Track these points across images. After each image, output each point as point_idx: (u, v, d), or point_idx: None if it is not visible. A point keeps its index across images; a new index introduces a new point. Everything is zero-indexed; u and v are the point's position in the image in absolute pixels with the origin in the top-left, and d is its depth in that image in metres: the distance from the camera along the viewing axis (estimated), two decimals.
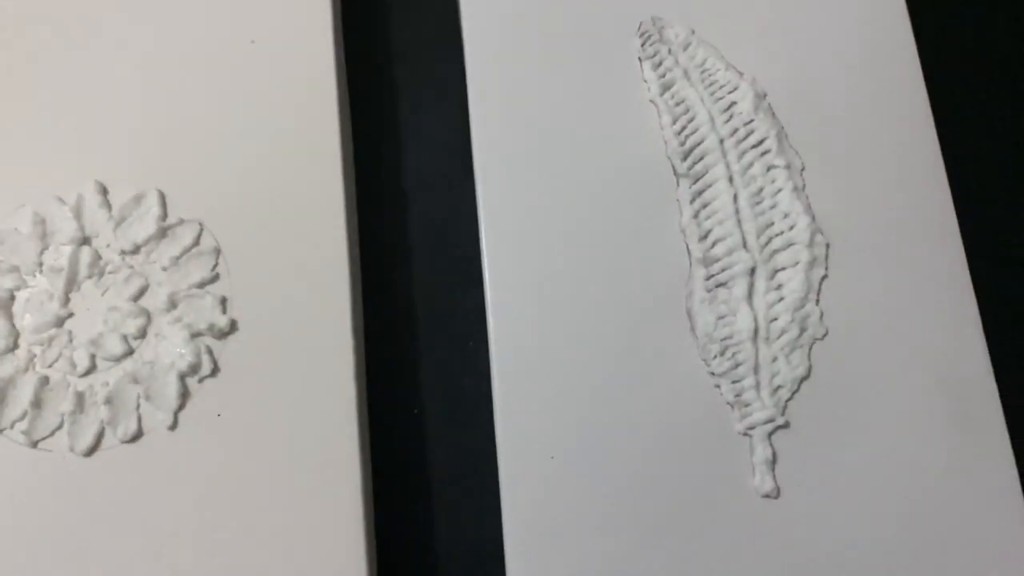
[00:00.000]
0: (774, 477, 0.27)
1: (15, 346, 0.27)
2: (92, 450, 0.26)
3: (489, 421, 0.28)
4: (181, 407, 0.27)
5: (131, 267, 0.28)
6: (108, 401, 0.27)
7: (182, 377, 0.27)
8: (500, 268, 0.29)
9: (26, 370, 0.27)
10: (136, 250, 0.28)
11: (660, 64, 0.32)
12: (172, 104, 0.30)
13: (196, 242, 0.28)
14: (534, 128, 0.31)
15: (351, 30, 0.34)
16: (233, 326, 0.28)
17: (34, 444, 0.26)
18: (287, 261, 0.28)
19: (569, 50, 0.32)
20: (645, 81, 0.32)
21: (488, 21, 0.32)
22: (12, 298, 0.27)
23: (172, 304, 0.27)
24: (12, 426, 0.26)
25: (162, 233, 0.28)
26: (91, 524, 0.26)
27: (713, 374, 0.28)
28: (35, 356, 0.27)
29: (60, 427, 0.26)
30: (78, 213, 0.28)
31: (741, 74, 0.32)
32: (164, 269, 0.28)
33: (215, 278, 0.28)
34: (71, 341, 0.27)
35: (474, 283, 0.30)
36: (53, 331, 0.27)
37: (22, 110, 0.29)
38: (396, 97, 0.34)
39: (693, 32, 0.32)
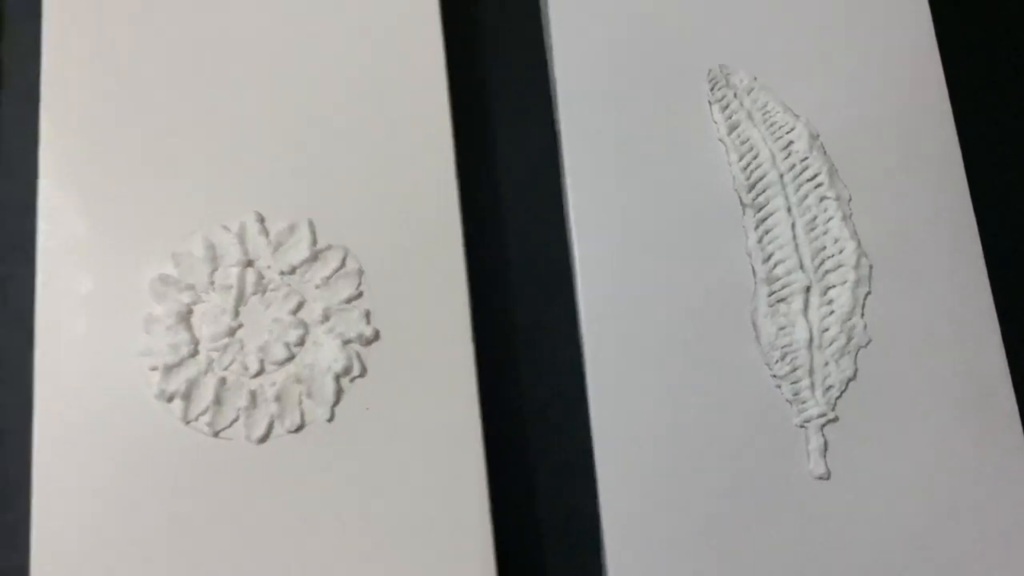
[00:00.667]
0: (825, 462, 0.33)
1: (196, 352, 0.33)
2: (264, 439, 0.32)
3: (585, 414, 0.34)
4: (336, 403, 0.33)
5: (289, 286, 0.34)
6: (276, 398, 0.33)
7: (337, 378, 0.33)
8: (592, 285, 0.35)
9: (206, 372, 0.33)
10: (293, 271, 0.34)
11: (727, 107, 0.38)
12: (316, 145, 0.35)
13: (342, 264, 0.34)
14: (620, 162, 0.36)
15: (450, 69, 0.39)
16: (376, 335, 0.34)
17: (216, 434, 0.32)
18: (415, 279, 0.34)
19: (650, 93, 0.37)
20: (715, 122, 0.37)
21: (580, 69, 0.38)
22: (191, 312, 0.33)
23: (326, 317, 0.34)
24: (197, 419, 0.32)
25: (314, 257, 0.34)
26: (262, 501, 0.32)
27: (775, 376, 0.34)
28: (213, 360, 0.33)
29: (237, 419, 0.33)
30: (242, 239, 0.34)
31: (797, 116, 0.38)
32: (317, 287, 0.34)
33: (359, 295, 0.34)
34: (242, 348, 0.33)
35: (566, 299, 0.37)
36: (227, 340, 0.33)
37: (188, 149, 0.35)
38: (492, 132, 0.40)
39: (755, 79, 0.38)
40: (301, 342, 0.33)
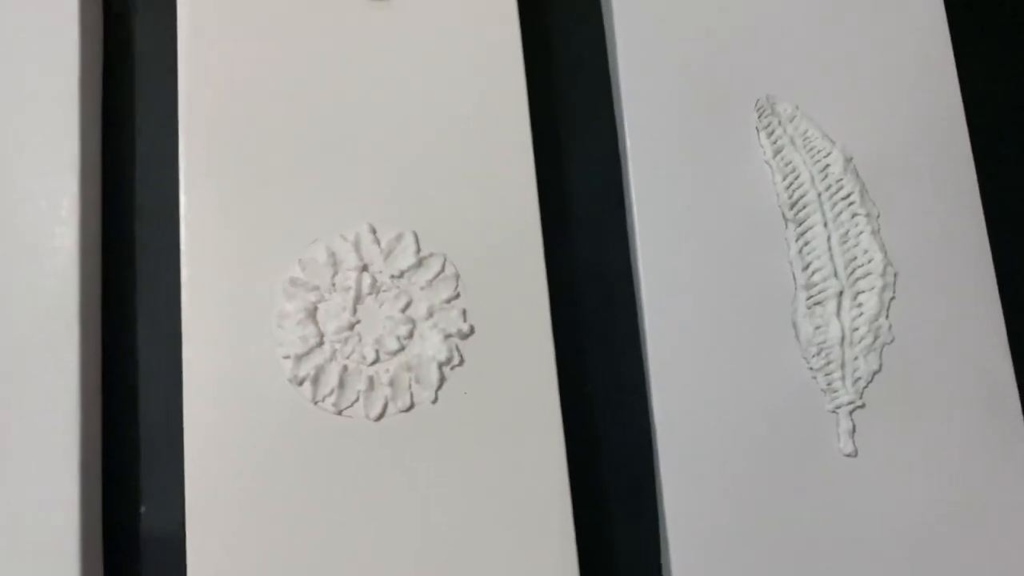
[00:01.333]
0: (853, 442, 0.40)
1: (322, 343, 0.40)
2: (380, 417, 0.39)
3: (644, 403, 0.41)
4: (439, 387, 0.40)
5: (398, 287, 0.41)
6: (390, 383, 0.40)
7: (440, 366, 0.40)
8: (653, 287, 0.42)
9: (331, 360, 0.40)
10: (401, 275, 0.41)
11: (772, 133, 0.44)
12: (416, 165, 0.42)
13: (442, 269, 0.41)
14: (678, 182, 0.43)
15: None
16: (472, 330, 0.40)
17: (339, 412, 0.39)
18: (502, 281, 0.41)
19: (705, 120, 0.44)
20: (761, 146, 0.44)
21: (643, 98, 0.44)
22: (316, 309, 0.40)
23: (430, 314, 0.40)
24: (324, 400, 0.39)
25: (419, 263, 0.41)
26: (378, 470, 0.39)
27: (811, 368, 0.41)
28: (336, 351, 0.40)
29: (357, 400, 0.39)
30: (357, 247, 0.41)
31: (833, 142, 0.44)
32: (422, 289, 0.41)
33: (457, 295, 0.41)
34: (360, 340, 0.40)
35: (629, 297, 0.43)
36: (347, 333, 0.40)
37: (311, 168, 0.42)
38: (564, 150, 0.47)
39: (797, 108, 0.44)
40: (409, 335, 0.40)
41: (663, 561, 0.41)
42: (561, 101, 0.47)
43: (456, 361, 0.40)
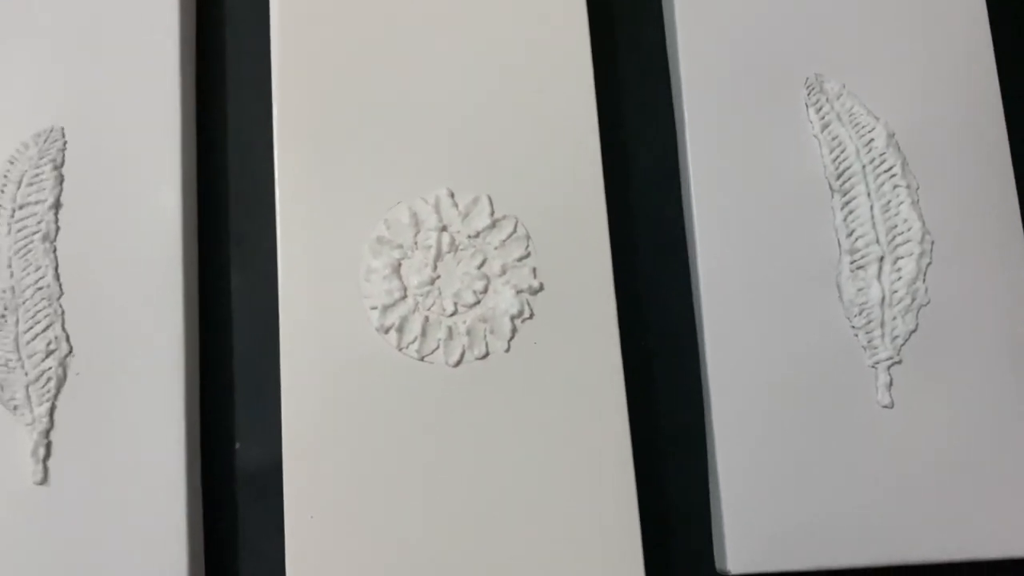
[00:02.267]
0: (890, 395, 0.45)
1: (405, 296, 0.45)
2: (458, 363, 0.45)
3: (697, 356, 0.46)
4: (512, 338, 0.45)
5: (474, 247, 0.46)
6: (467, 333, 0.45)
7: (512, 319, 0.45)
8: (709, 250, 0.47)
9: (414, 312, 0.45)
10: (477, 235, 0.46)
11: (820, 109, 0.49)
12: (491, 134, 0.47)
13: (515, 230, 0.46)
14: (733, 153, 0.48)
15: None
16: (541, 286, 0.45)
17: (421, 359, 0.45)
18: (569, 241, 0.46)
19: (759, 96, 0.48)
20: (810, 121, 0.49)
21: (702, 74, 0.48)
22: (400, 265, 0.45)
23: (503, 271, 0.45)
24: (408, 347, 0.45)
25: (493, 224, 0.46)
26: (455, 411, 0.44)
27: (853, 327, 0.46)
28: (419, 303, 0.45)
29: (437, 348, 0.45)
30: (437, 209, 0.46)
31: (877, 118, 0.48)
32: (496, 248, 0.46)
33: (528, 255, 0.46)
34: (440, 294, 0.45)
35: (684, 259, 0.48)
36: (428, 287, 0.45)
37: (395, 135, 0.47)
38: (623, 119, 0.51)
39: (844, 86, 0.49)
40: (485, 290, 0.45)
41: (712, 503, 0.46)
42: (622, 75, 0.52)
43: (527, 314, 0.45)
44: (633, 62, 0.52)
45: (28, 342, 0.44)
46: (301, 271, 0.45)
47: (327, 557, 0.42)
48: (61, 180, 0.46)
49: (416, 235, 0.46)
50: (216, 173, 0.50)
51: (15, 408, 0.44)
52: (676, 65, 0.50)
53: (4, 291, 0.44)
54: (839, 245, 0.47)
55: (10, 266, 0.45)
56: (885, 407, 0.45)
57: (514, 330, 0.45)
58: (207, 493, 0.46)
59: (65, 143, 0.46)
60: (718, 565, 0.45)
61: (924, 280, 0.46)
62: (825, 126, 0.48)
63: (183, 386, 0.45)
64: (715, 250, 0.47)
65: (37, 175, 0.46)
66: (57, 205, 0.46)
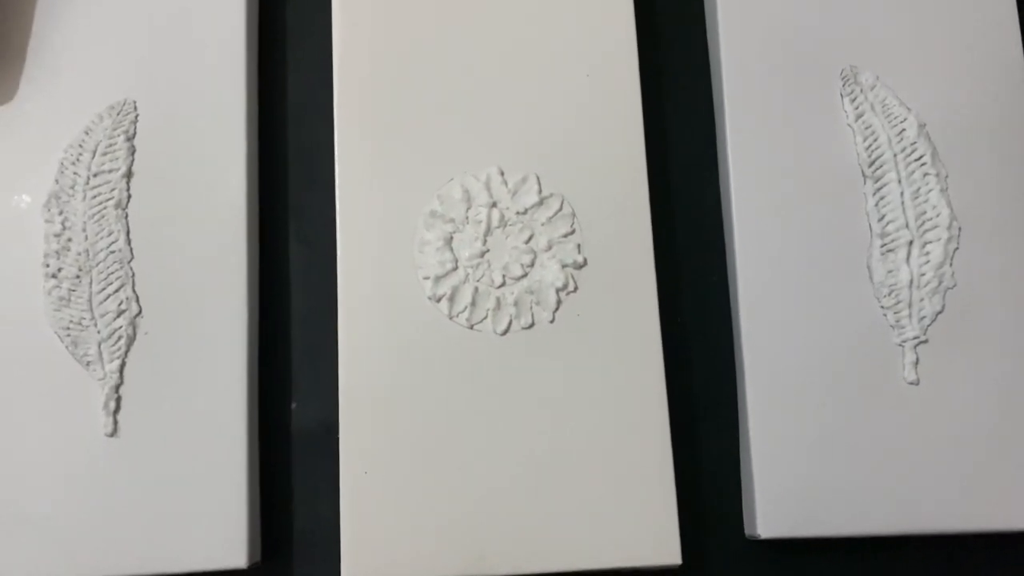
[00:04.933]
0: (916, 371, 0.51)
1: (456, 267, 0.52)
2: (505, 332, 0.51)
3: (730, 330, 0.53)
4: (556, 309, 0.51)
5: (522, 223, 0.52)
6: (514, 304, 0.51)
7: (557, 291, 0.52)
8: (746, 230, 0.53)
9: (464, 282, 0.51)
10: (525, 212, 0.52)
11: (855, 99, 0.55)
12: (540, 117, 0.53)
13: (561, 208, 0.52)
14: (771, 139, 0.54)
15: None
16: (585, 261, 0.52)
17: (471, 327, 0.51)
18: (612, 219, 0.52)
19: (797, 85, 0.55)
20: (845, 111, 0.55)
21: (743, 66, 0.55)
22: (451, 238, 0.52)
23: (549, 246, 0.52)
24: (458, 315, 0.51)
25: (540, 202, 0.52)
26: (502, 375, 0.50)
27: (882, 307, 0.52)
28: (469, 274, 0.52)
29: (486, 317, 0.51)
30: (488, 187, 0.52)
31: (909, 109, 0.55)
32: (543, 224, 0.52)
33: (573, 232, 0.52)
34: (490, 266, 0.52)
35: (720, 240, 0.55)
36: (479, 260, 0.52)
37: (449, 115, 0.53)
38: (665, 106, 0.58)
39: (877, 78, 0.55)
40: (532, 264, 0.52)
41: (743, 472, 0.52)
42: (665, 62, 0.59)
43: (571, 288, 0.52)
44: (675, 50, 0.59)
45: (101, 302, 0.51)
46: (359, 241, 0.52)
47: (379, 508, 0.49)
48: (133, 151, 0.53)
49: (468, 210, 0.52)
50: (278, 149, 0.57)
51: (88, 364, 0.51)
52: (717, 55, 0.56)
53: (79, 254, 0.51)
54: (870, 229, 0.53)
55: (84, 230, 0.51)
56: (911, 383, 0.51)
57: (559, 302, 0.52)
58: (264, 447, 0.53)
59: (137, 115, 0.53)
60: (747, 530, 0.52)
61: (951, 264, 0.53)
62: (859, 116, 0.55)
63: (245, 347, 0.51)
64: (752, 231, 0.53)
65: (111, 145, 0.52)
66: (129, 174, 0.52)
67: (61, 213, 0.51)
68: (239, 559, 0.49)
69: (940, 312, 0.52)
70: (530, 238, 0.52)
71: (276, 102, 0.57)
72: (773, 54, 0.55)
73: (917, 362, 0.51)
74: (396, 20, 0.54)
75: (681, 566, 0.49)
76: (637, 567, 0.49)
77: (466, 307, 0.51)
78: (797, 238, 0.53)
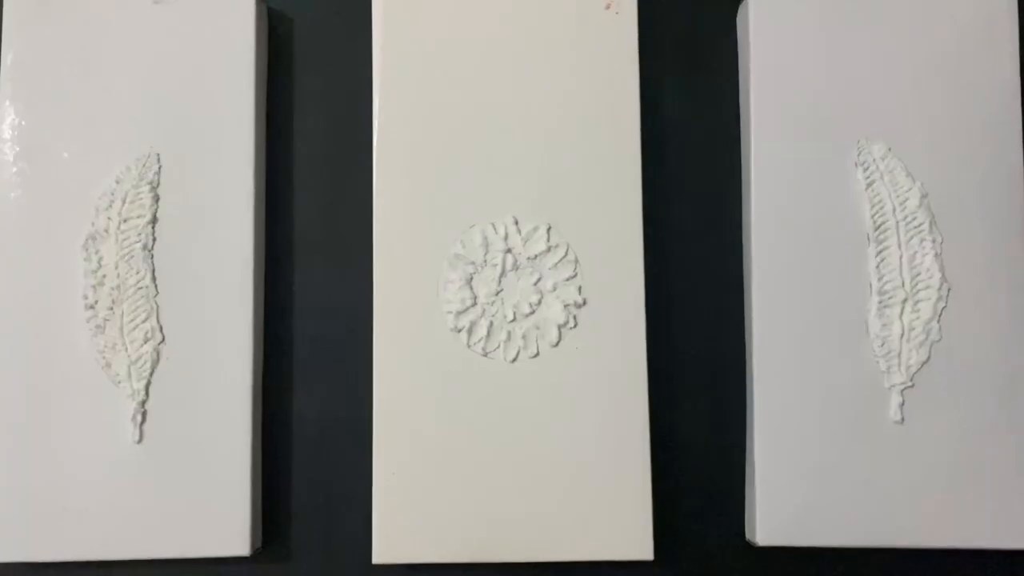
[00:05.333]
0: (902, 412, 0.55)
1: (475, 304, 0.58)
2: (515, 360, 0.56)
3: (741, 377, 0.57)
4: (558, 342, 0.57)
5: (532, 267, 0.58)
6: (523, 336, 0.57)
7: (559, 327, 0.57)
8: (763, 281, 0.58)
9: (481, 317, 0.58)
10: (535, 257, 0.58)
11: (867, 168, 0.59)
12: (549, 172, 0.59)
13: (565, 255, 0.58)
14: (793, 199, 0.58)
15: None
16: (584, 302, 0.57)
17: (485, 354, 0.57)
18: (608, 267, 0.58)
19: (814, 150, 0.58)
20: (858, 179, 0.59)
21: (773, 122, 0.59)
22: (471, 278, 0.59)
23: (554, 288, 0.58)
24: (475, 344, 0.57)
25: (548, 249, 0.58)
26: (511, 396, 0.56)
27: (876, 356, 0.56)
28: (485, 310, 0.58)
29: (498, 347, 0.57)
30: (505, 235, 0.59)
31: (914, 180, 0.59)
32: (549, 269, 0.58)
33: (575, 275, 0.57)
34: (503, 304, 0.58)
35: (736, 284, 0.60)
36: (494, 298, 0.58)
37: (469, 169, 0.59)
38: (678, 155, 0.64)
39: (889, 149, 0.59)
40: (539, 303, 0.58)
41: (747, 487, 0.58)
42: (682, 114, 0.64)
43: (572, 324, 0.57)
44: (695, 111, 0.64)
45: (130, 331, 0.59)
46: (393, 277, 0.58)
47: (405, 502, 0.57)
48: (157, 199, 0.60)
49: (486, 254, 0.59)
50: (283, 192, 0.64)
51: (119, 382, 0.58)
52: (748, 121, 0.60)
53: (112, 289, 0.59)
54: (870, 287, 0.57)
55: (117, 268, 0.59)
56: (896, 422, 0.56)
57: (560, 336, 0.57)
58: (266, 449, 0.61)
59: (160, 167, 0.61)
60: (748, 535, 0.59)
61: (938, 320, 0.56)
62: (869, 184, 0.59)
63: (250, 371, 0.59)
64: (768, 279, 0.58)
65: (137, 194, 0.60)
66: (154, 220, 0.60)
67: (97, 253, 0.59)
68: (242, 548, 0.57)
69: (926, 361, 0.56)
70: (538, 280, 0.58)
71: (281, 151, 0.64)
72: (798, 122, 0.60)
73: (903, 404, 0.56)
74: (432, 82, 0.61)
75: (684, 565, 0.60)
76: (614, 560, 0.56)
77: (482, 338, 0.57)
78: (808, 289, 0.58)
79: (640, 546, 0.56)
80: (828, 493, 0.56)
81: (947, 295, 0.57)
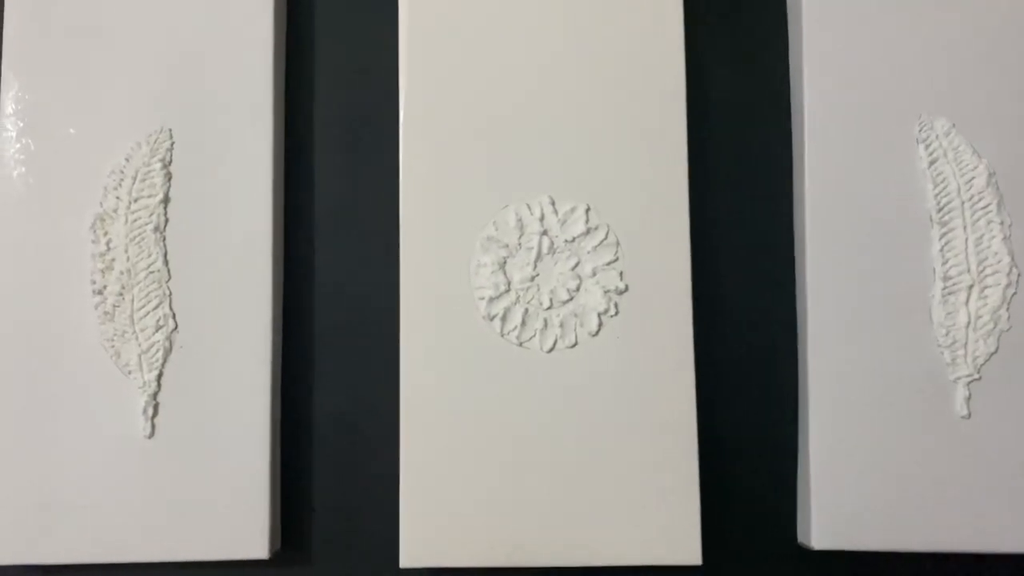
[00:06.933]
0: (968, 407, 0.54)
1: (509, 290, 0.57)
2: (551, 350, 0.55)
3: (795, 363, 0.56)
4: (598, 331, 0.56)
5: (570, 250, 0.57)
6: (560, 324, 0.56)
7: (599, 315, 0.56)
8: (817, 268, 0.57)
9: (516, 304, 0.57)
10: (572, 240, 0.57)
11: (929, 145, 0.58)
12: (590, 152, 0.58)
13: (605, 238, 0.57)
14: (850, 178, 0.57)
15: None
16: (626, 288, 0.56)
17: (520, 344, 0.56)
18: (652, 249, 0.56)
19: (874, 128, 0.57)
20: (920, 157, 0.58)
21: (828, 103, 0.58)
22: (505, 262, 0.58)
23: (593, 273, 0.57)
24: (509, 333, 0.56)
25: (587, 232, 0.57)
26: (548, 388, 0.55)
27: (939, 345, 0.54)
28: (520, 296, 0.57)
29: (534, 336, 0.55)
30: (540, 216, 0.58)
31: (980, 158, 0.57)
32: (588, 252, 0.57)
33: (616, 260, 0.56)
34: (539, 290, 0.57)
35: (788, 270, 0.59)
36: (529, 283, 0.57)
37: (506, 148, 0.58)
38: (726, 143, 0.63)
39: (953, 125, 0.58)
40: (577, 289, 0.57)
41: (800, 491, 0.57)
42: (730, 98, 0.63)
43: (612, 312, 0.56)
44: (746, 92, 0.63)
45: (141, 318, 0.58)
46: (421, 260, 0.57)
47: (434, 502, 0.56)
48: (169, 177, 0.59)
49: (520, 237, 0.58)
50: (302, 172, 0.63)
51: (129, 373, 0.58)
52: (800, 94, 0.59)
53: (122, 273, 0.58)
54: (934, 272, 0.56)
55: (127, 251, 0.59)
56: (962, 417, 0.54)
57: (600, 324, 0.56)
58: (285, 445, 0.60)
59: (173, 143, 0.59)
60: (800, 539, 0.58)
61: (1008, 308, 0.55)
62: (932, 162, 0.57)
63: (268, 361, 0.58)
64: (824, 264, 0.57)
65: (148, 172, 0.59)
66: (166, 200, 0.59)
67: (106, 235, 0.59)
68: (261, 551, 0.56)
69: (994, 352, 0.55)
70: (576, 265, 0.57)
71: (301, 127, 0.63)
72: (854, 96, 0.58)
73: (969, 398, 0.54)
74: (460, 55, 0.60)
75: (733, 570, 0.59)
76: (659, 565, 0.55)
77: (516, 327, 0.56)
78: (866, 274, 0.57)
79: (687, 550, 0.54)
80: (888, 494, 0.55)
81: (1017, 281, 0.55)
